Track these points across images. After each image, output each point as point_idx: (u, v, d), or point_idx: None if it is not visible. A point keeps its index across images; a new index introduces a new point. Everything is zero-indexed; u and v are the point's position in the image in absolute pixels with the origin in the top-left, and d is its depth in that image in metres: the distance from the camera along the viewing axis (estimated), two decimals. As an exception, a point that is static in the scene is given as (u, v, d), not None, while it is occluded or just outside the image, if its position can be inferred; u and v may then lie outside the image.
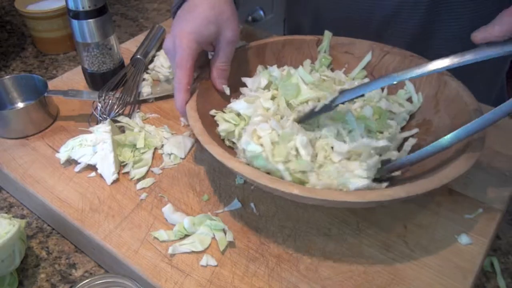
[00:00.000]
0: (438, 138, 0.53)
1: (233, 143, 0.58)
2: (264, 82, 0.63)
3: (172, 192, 0.58)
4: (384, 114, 0.59)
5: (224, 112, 0.60)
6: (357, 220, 0.54)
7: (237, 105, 0.59)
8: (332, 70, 0.68)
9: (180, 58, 0.55)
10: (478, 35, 0.47)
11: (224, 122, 0.58)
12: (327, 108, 0.54)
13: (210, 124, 0.57)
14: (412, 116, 0.62)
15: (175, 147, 0.64)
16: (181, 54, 0.55)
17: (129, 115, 0.69)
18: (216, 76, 0.60)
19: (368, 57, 0.66)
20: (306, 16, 0.85)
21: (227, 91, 0.61)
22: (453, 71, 0.54)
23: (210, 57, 0.63)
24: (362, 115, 0.58)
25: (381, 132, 0.57)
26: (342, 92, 0.54)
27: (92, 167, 0.62)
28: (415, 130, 0.60)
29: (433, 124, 0.59)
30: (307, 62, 0.68)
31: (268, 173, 0.50)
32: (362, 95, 0.53)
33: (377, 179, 0.51)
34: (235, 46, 0.60)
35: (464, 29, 0.72)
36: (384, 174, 0.52)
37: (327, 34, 0.67)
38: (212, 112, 0.59)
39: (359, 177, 0.49)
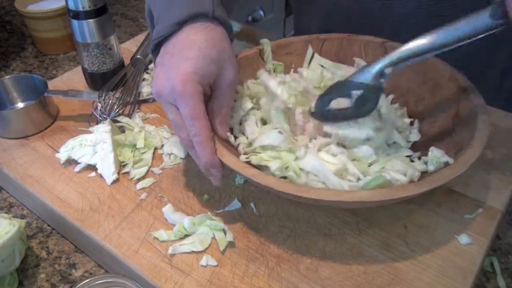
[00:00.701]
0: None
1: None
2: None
3: (172, 192, 0.58)
4: None
5: (256, 153, 0.52)
6: (357, 220, 0.54)
7: (269, 138, 0.53)
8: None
9: (192, 108, 0.47)
10: None
11: (272, 161, 0.50)
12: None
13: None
14: None
15: (175, 147, 0.64)
16: (191, 103, 0.47)
17: (129, 115, 0.69)
18: (218, 123, 0.52)
19: (310, 51, 0.66)
20: (315, 29, 0.84)
21: (232, 139, 0.54)
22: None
23: None
24: None
25: None
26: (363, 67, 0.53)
27: (92, 167, 0.62)
28: (390, 96, 0.62)
29: (403, 85, 0.61)
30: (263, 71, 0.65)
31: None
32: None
33: None
34: (235, 88, 0.55)
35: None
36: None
37: (266, 41, 0.65)
38: (243, 158, 0.51)
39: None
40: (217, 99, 0.52)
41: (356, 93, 0.52)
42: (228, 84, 0.52)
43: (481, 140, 0.48)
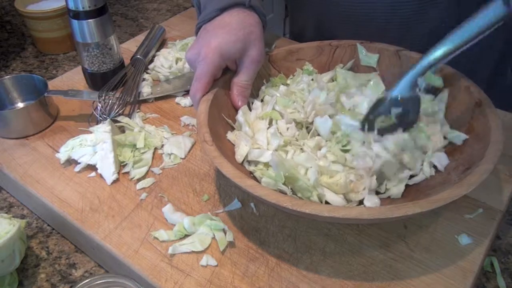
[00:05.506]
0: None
1: None
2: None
3: (172, 192, 0.58)
4: None
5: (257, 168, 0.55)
6: (357, 220, 0.54)
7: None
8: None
9: (201, 71, 0.57)
10: None
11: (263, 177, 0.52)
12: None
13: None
14: None
15: (175, 147, 0.64)
16: (203, 67, 0.57)
17: (129, 115, 0.69)
18: (236, 93, 0.60)
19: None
20: (309, 21, 0.84)
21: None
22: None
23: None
24: None
25: None
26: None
27: (92, 167, 0.62)
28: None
29: None
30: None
31: None
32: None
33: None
34: (258, 67, 0.61)
35: None
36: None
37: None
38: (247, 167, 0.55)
39: None
40: (238, 73, 0.60)
41: (396, 110, 0.54)
42: (251, 61, 0.59)
43: (491, 159, 0.47)
